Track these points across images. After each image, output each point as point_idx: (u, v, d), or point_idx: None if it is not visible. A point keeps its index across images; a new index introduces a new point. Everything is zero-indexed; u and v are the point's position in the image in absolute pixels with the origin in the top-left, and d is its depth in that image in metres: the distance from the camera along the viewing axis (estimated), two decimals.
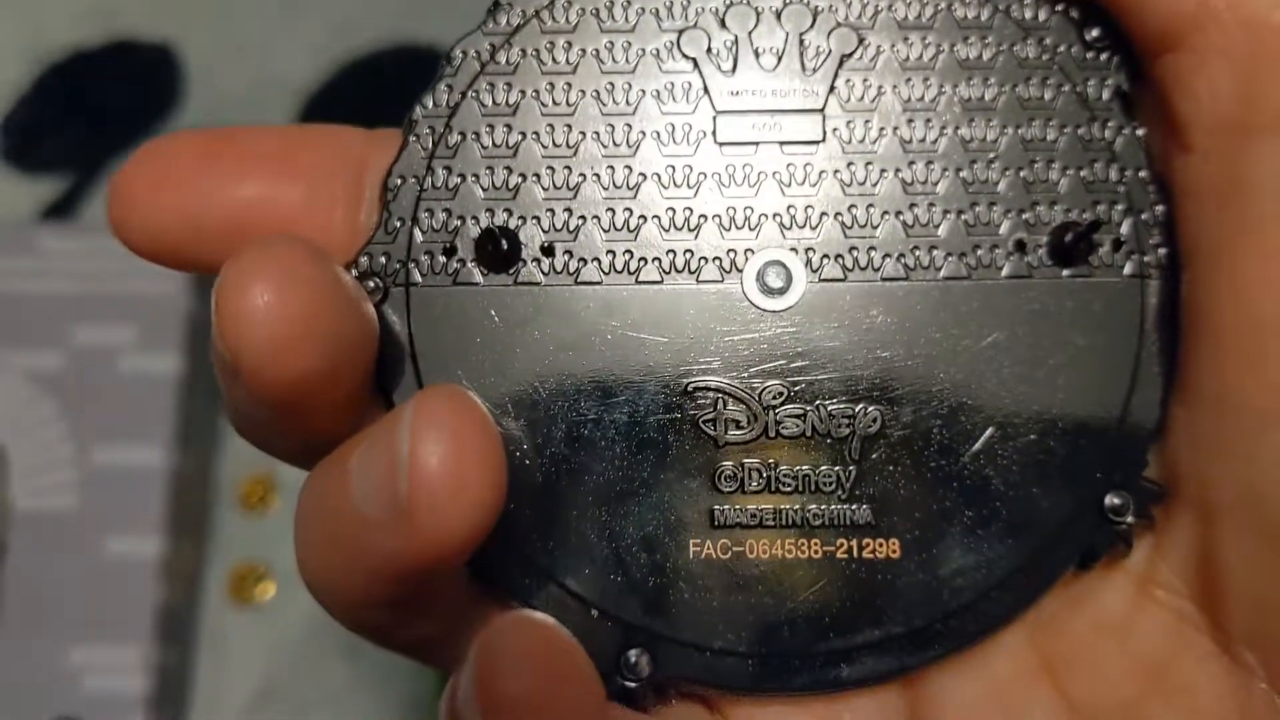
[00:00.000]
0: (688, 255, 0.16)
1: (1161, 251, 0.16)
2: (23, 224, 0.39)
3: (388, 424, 0.13)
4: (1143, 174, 0.16)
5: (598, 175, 0.16)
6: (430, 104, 0.16)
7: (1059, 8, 0.16)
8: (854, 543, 0.15)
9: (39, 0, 0.44)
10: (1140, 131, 0.16)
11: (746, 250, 0.16)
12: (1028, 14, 0.16)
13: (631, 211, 0.16)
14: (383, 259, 0.16)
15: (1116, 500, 0.15)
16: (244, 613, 0.35)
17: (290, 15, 0.43)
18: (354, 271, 0.16)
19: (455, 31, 0.44)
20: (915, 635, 0.15)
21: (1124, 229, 0.15)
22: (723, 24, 0.16)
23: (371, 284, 0.16)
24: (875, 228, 0.16)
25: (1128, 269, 0.15)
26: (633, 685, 0.15)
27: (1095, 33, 0.16)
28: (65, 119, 0.42)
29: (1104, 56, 0.16)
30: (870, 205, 0.16)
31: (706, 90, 0.16)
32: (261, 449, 0.16)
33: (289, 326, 0.13)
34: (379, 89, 0.42)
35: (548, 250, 0.16)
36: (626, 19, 0.16)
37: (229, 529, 0.36)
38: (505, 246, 0.16)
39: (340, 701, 0.35)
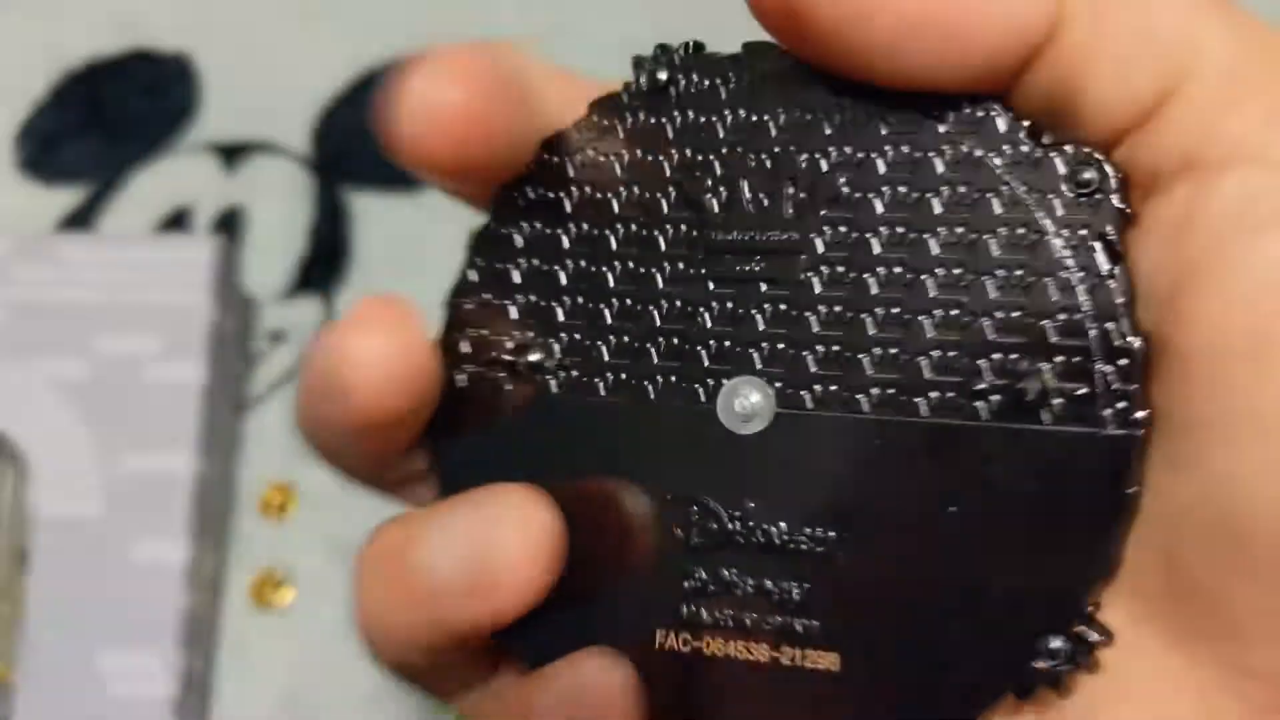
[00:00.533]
0: (674, 381, 0.17)
1: (1143, 414, 0.16)
2: (46, 234, 0.40)
3: (469, 503, 0.17)
4: (1121, 329, 0.16)
5: (604, 308, 0.18)
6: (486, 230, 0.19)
7: (1048, 148, 0.16)
8: (798, 651, 0.16)
9: (58, 10, 0.44)
10: (1123, 286, 0.16)
11: (725, 377, 0.17)
12: (1010, 159, 0.16)
13: (632, 340, 0.18)
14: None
15: (1055, 644, 0.16)
16: (266, 618, 0.36)
17: (308, 26, 0.43)
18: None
19: (471, 40, 0.44)
20: None
21: (1110, 386, 0.16)
22: (716, 173, 0.17)
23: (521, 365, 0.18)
24: (844, 365, 0.17)
25: (1110, 429, 0.16)
26: None
27: (1085, 176, 0.16)
28: (83, 129, 0.43)
29: (1092, 198, 0.16)
30: (841, 342, 0.17)
31: (700, 232, 0.17)
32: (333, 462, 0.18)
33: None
34: None
35: (562, 366, 0.18)
36: (634, 170, 0.18)
37: (250, 535, 0.37)
38: (525, 364, 0.18)
39: (363, 708, 0.35)
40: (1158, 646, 0.16)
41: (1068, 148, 0.16)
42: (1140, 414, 0.15)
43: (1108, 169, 0.16)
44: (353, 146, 0.42)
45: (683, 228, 0.17)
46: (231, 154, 0.42)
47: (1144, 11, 0.15)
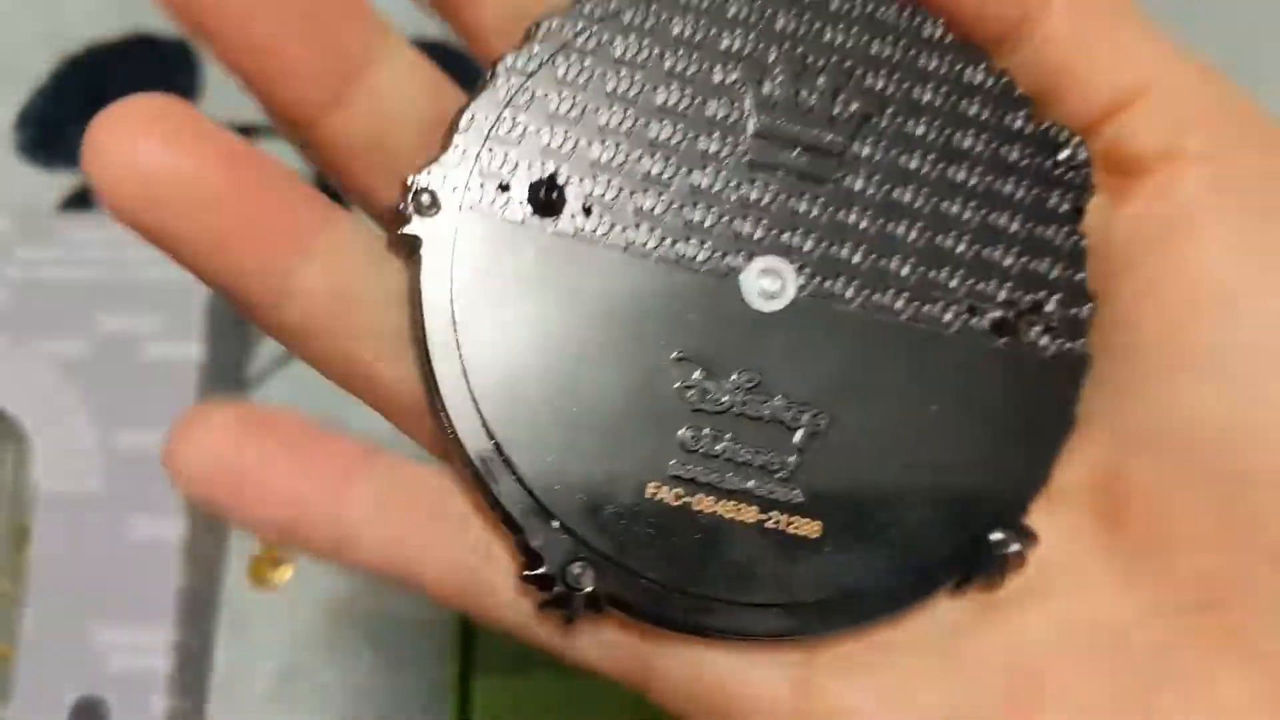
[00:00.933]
0: (700, 245, 0.18)
1: (1082, 342, 0.19)
2: (46, 214, 0.40)
3: None
4: (1080, 277, 0.19)
5: (642, 160, 0.18)
6: (514, 62, 0.18)
7: (1043, 127, 0.19)
8: (783, 517, 0.18)
9: None
10: (1084, 242, 0.19)
11: (751, 252, 0.18)
12: (1019, 125, 0.19)
13: (663, 198, 0.18)
14: (441, 179, 0.18)
15: (999, 536, 0.18)
16: (263, 596, 0.36)
17: None
18: (412, 182, 0.18)
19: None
20: (820, 605, 0.18)
21: (1056, 318, 0.19)
22: (774, 63, 0.19)
23: (426, 197, 0.18)
24: (858, 265, 0.18)
25: (1051, 351, 0.19)
26: (573, 593, 0.17)
27: (1065, 154, 0.19)
28: (83, 112, 0.43)
29: (1070, 174, 0.19)
30: (862, 245, 0.18)
31: (750, 114, 0.19)
32: None
33: None
34: None
35: (587, 210, 0.18)
36: (697, 33, 0.19)
37: None
38: (554, 196, 0.18)
39: (361, 685, 0.35)
40: (1094, 559, 0.18)
41: (1055, 128, 0.19)
42: (1083, 342, 0.19)
43: (1083, 152, 0.19)
44: None
45: (734, 104, 0.18)
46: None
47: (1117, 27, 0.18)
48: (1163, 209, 0.18)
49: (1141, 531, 0.18)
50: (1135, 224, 0.18)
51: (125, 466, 0.33)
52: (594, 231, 0.18)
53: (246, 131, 0.42)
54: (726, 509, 0.18)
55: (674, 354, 0.18)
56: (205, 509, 0.18)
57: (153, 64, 0.43)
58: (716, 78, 0.19)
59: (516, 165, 0.18)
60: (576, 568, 0.17)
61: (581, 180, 0.18)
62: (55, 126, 0.42)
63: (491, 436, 0.18)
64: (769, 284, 0.18)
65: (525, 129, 0.18)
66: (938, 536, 0.18)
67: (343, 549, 0.18)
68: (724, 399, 0.18)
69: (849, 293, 0.18)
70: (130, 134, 0.17)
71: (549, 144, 0.18)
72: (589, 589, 0.17)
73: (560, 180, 0.18)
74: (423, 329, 0.18)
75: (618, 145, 0.18)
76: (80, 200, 0.41)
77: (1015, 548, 0.18)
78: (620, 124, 0.18)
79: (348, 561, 0.18)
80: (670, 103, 0.18)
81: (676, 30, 0.18)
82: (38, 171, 0.42)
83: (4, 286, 0.35)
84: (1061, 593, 0.18)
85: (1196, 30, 0.20)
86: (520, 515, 0.18)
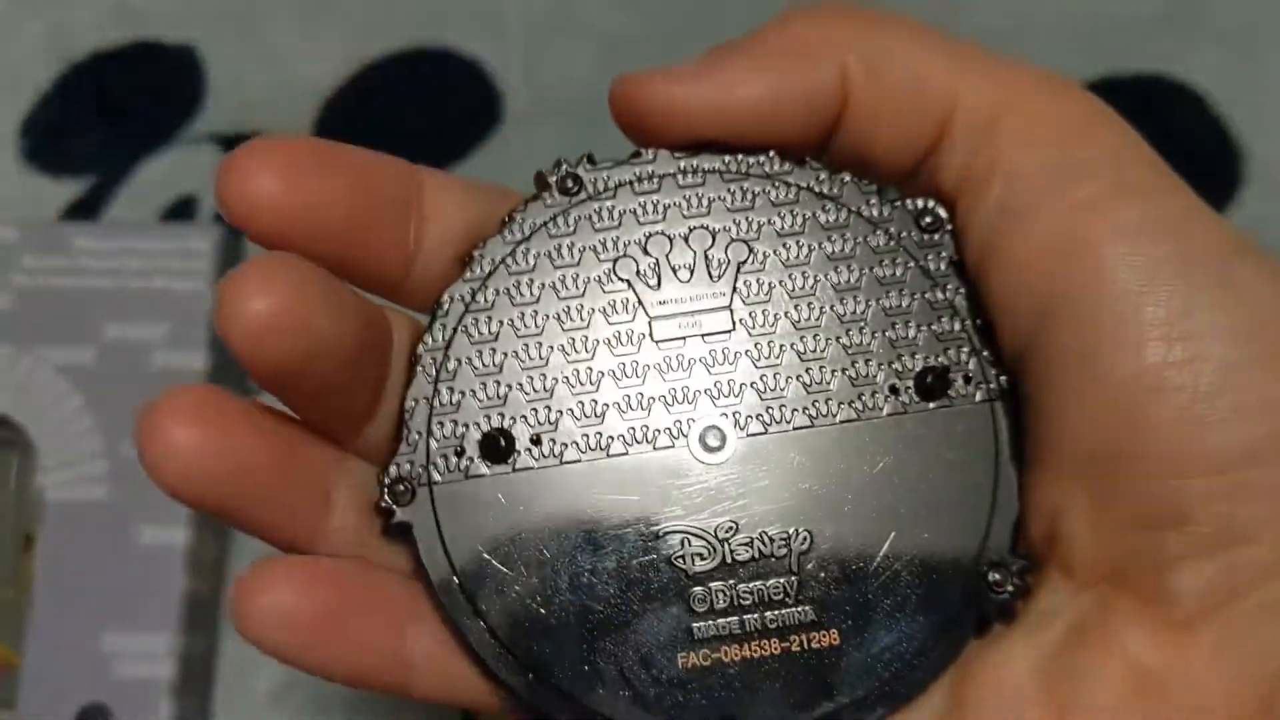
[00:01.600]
0: (644, 429, 0.20)
1: (1002, 379, 0.20)
2: (53, 223, 0.40)
3: None
4: (979, 322, 0.20)
5: (566, 378, 0.20)
6: (430, 341, 0.21)
7: (896, 204, 0.21)
8: (803, 637, 0.19)
9: (63, 1, 0.45)
10: (972, 290, 0.20)
11: (688, 420, 0.20)
12: (874, 212, 0.21)
13: (596, 402, 0.20)
14: (408, 466, 0.20)
15: (995, 575, 0.19)
16: None
17: (311, 19, 0.44)
18: (385, 479, 0.20)
19: (474, 36, 0.44)
20: (859, 702, 0.19)
21: (970, 366, 0.20)
22: (645, 251, 0.21)
23: (401, 487, 0.20)
24: (783, 390, 0.20)
25: (978, 396, 0.20)
26: None
27: (927, 220, 0.21)
28: (88, 120, 0.43)
29: (936, 236, 0.21)
30: (776, 373, 0.20)
31: (640, 303, 0.21)
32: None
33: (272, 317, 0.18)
34: (397, 92, 0.43)
35: (536, 441, 0.20)
36: (573, 256, 0.21)
37: None
38: (503, 443, 0.20)
39: (362, 692, 0.35)
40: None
41: (909, 201, 0.21)
42: (1003, 379, 0.20)
43: (941, 211, 0.21)
44: (355, 138, 0.42)
45: (622, 305, 0.21)
46: (235, 145, 0.42)
47: (915, 74, 0.20)
48: (976, 232, 0.20)
49: (1089, 561, 0.19)
50: (965, 237, 0.20)
51: (130, 474, 0.34)
52: (549, 457, 0.20)
53: (247, 140, 0.42)
54: (752, 650, 0.19)
55: (656, 531, 0.20)
56: (274, 655, 0.19)
57: (157, 71, 0.43)
58: (601, 283, 0.21)
59: (464, 430, 0.20)
60: None
61: (523, 419, 0.20)
62: (60, 134, 0.43)
63: (530, 672, 0.20)
64: (712, 439, 0.20)
65: (460, 395, 0.20)
66: (943, 596, 0.19)
67: (406, 686, 0.19)
68: (714, 554, 0.20)
69: (781, 419, 0.20)
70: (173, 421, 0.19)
71: (484, 399, 0.20)
72: None
73: (505, 427, 0.20)
74: (440, 602, 0.20)
75: (541, 377, 0.20)
76: (84, 208, 0.41)
77: (1015, 578, 0.20)
78: (537, 358, 0.20)
79: (410, 695, 0.20)
80: (571, 323, 0.21)
81: (556, 258, 0.21)
82: (42, 179, 0.42)
83: (9, 295, 0.35)
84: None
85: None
86: None
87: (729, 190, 0.21)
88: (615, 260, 0.21)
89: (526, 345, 0.20)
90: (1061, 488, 0.19)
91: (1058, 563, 0.20)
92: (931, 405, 0.20)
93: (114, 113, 0.43)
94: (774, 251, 0.21)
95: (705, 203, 0.21)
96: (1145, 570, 0.18)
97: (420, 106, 0.42)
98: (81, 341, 0.35)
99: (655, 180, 0.21)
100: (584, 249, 0.21)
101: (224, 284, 0.17)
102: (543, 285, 0.21)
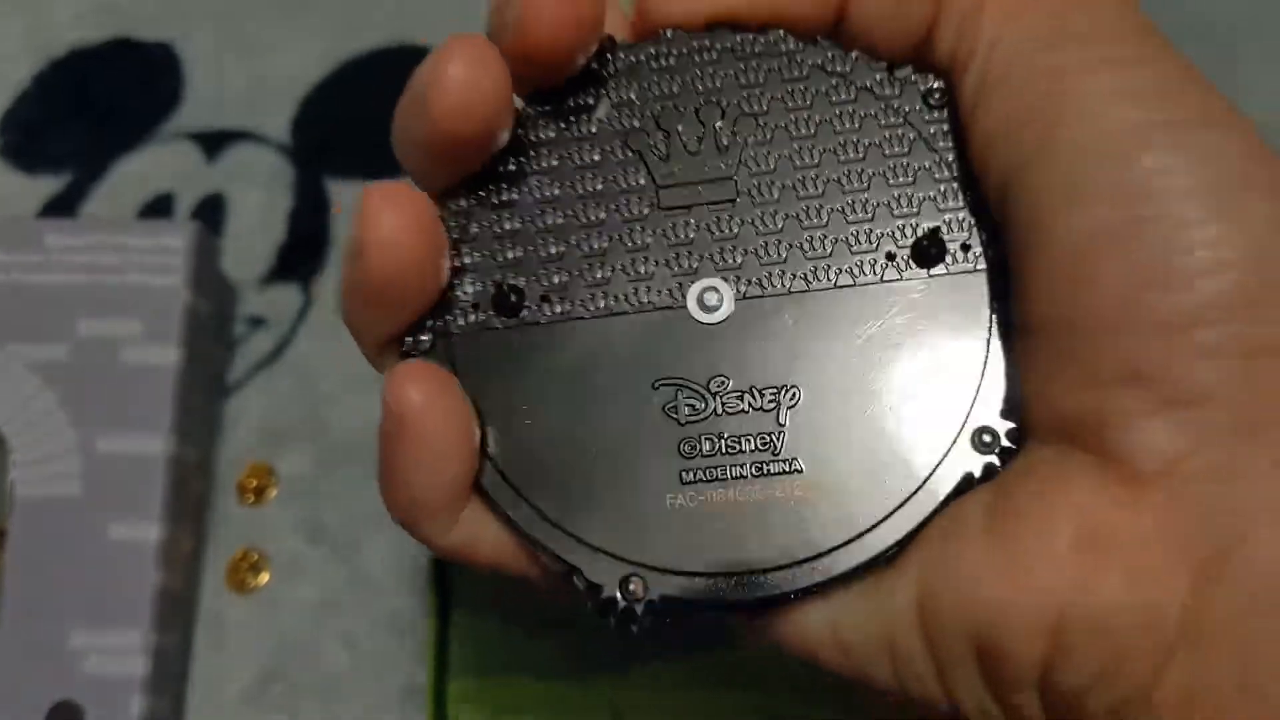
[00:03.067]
0: (646, 290, 0.21)
1: (994, 245, 0.21)
2: (26, 219, 0.40)
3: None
4: (976, 195, 0.21)
5: (576, 243, 0.21)
6: (452, 206, 0.22)
7: (905, 81, 0.21)
8: (788, 485, 0.20)
9: None
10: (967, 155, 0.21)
11: (689, 281, 0.21)
12: (882, 90, 0.21)
13: (603, 264, 0.21)
14: (429, 319, 0.21)
15: (985, 437, 0.20)
16: (241, 600, 0.36)
17: (290, 16, 0.44)
18: (407, 341, 0.21)
19: (449, 32, 0.45)
20: (836, 551, 0.20)
21: (967, 236, 0.21)
22: (657, 125, 0.22)
23: (423, 336, 0.21)
24: (781, 256, 0.21)
25: (972, 265, 0.21)
26: (634, 605, 0.20)
27: (935, 97, 0.21)
28: (66, 117, 0.43)
29: (942, 112, 0.21)
30: (776, 240, 0.21)
31: (650, 173, 0.22)
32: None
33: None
34: (376, 89, 0.43)
35: (545, 299, 0.21)
36: (589, 128, 0.22)
37: (227, 517, 0.37)
38: (513, 299, 0.21)
39: (337, 688, 0.35)
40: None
41: (917, 77, 0.21)
42: (996, 249, 0.20)
43: (940, 85, 0.21)
44: (333, 136, 0.42)
45: (638, 171, 0.22)
46: (213, 142, 0.42)
47: None
48: (968, 98, 0.20)
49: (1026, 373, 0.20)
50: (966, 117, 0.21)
51: (103, 470, 0.34)
52: (556, 314, 0.21)
53: (224, 137, 0.42)
54: (736, 495, 0.20)
55: (653, 383, 0.21)
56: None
57: (136, 69, 0.43)
58: (617, 156, 0.22)
59: (479, 288, 0.21)
60: (632, 584, 0.20)
61: (534, 280, 0.21)
62: (38, 131, 0.43)
63: (531, 505, 0.21)
64: (710, 299, 0.21)
65: (479, 256, 0.22)
66: (929, 454, 0.20)
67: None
68: (705, 406, 0.21)
69: (779, 283, 0.21)
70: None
71: (500, 261, 0.22)
72: (648, 598, 0.20)
73: (516, 283, 0.21)
74: None
75: (554, 241, 0.22)
76: (61, 205, 0.41)
77: (1002, 441, 0.20)
78: (551, 224, 0.22)
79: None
80: (585, 190, 0.22)
81: (573, 130, 0.22)
82: (20, 176, 0.42)
83: None
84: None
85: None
86: (573, 559, 0.20)
87: (741, 67, 0.22)
88: (627, 133, 0.22)
89: (541, 211, 0.22)
90: (1024, 346, 0.20)
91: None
92: (927, 272, 0.21)
93: (92, 110, 0.43)
94: (782, 126, 0.21)
95: (717, 79, 0.22)
96: (1098, 428, 0.19)
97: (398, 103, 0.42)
98: (55, 338, 0.35)
99: (670, 58, 0.22)
100: (600, 122, 0.22)
101: (433, 57, 0.20)
102: (559, 155, 0.22)
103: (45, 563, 0.33)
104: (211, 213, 0.41)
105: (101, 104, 0.43)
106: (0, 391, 0.34)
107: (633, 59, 0.22)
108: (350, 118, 0.42)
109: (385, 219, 0.19)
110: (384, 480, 0.21)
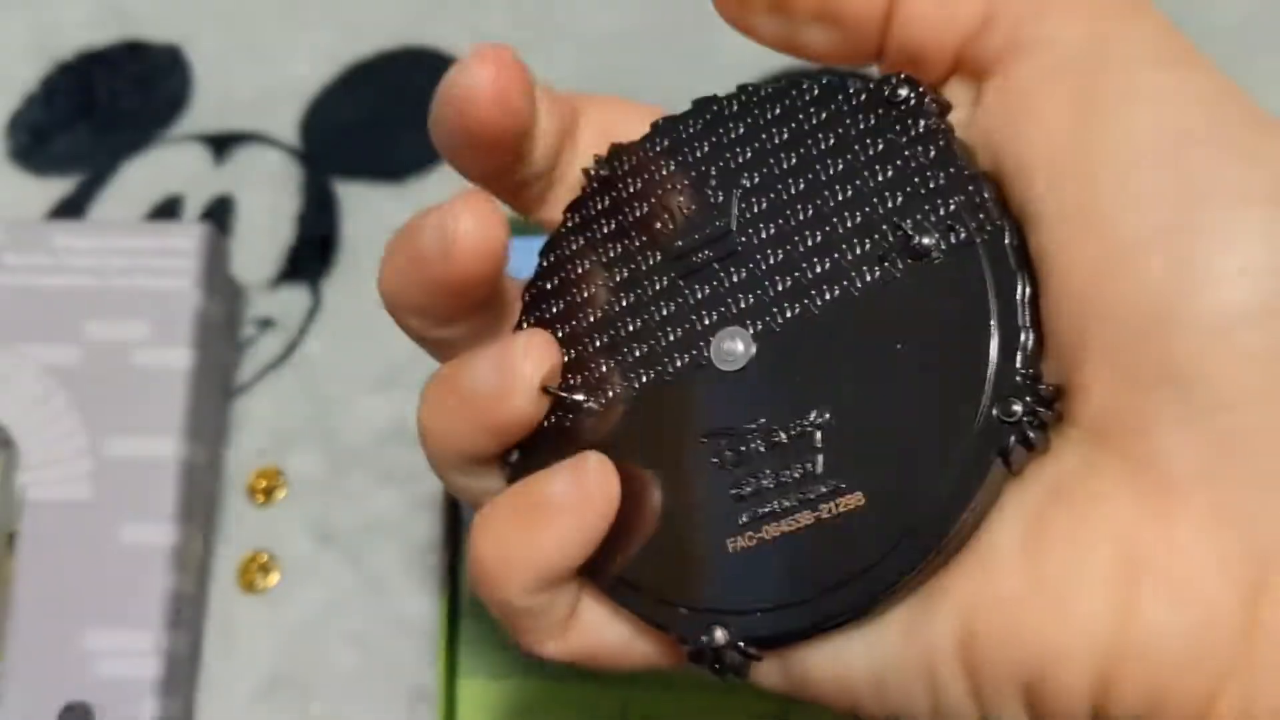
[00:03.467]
0: (678, 356, 0.22)
1: (990, 221, 0.20)
2: (36, 222, 0.40)
3: (497, 344, 0.22)
4: (966, 173, 0.20)
5: (617, 331, 0.23)
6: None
7: (868, 86, 0.21)
8: (834, 505, 0.20)
9: (49, 1, 0.45)
10: (955, 146, 0.21)
11: (709, 336, 0.22)
12: (856, 101, 0.21)
13: (641, 343, 0.23)
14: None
15: (1017, 405, 0.19)
16: (252, 601, 0.36)
17: (297, 19, 0.44)
18: None
19: (460, 35, 0.45)
20: (890, 555, 0.20)
21: (958, 218, 0.20)
22: (663, 208, 0.23)
23: (515, 451, 0.23)
24: (787, 286, 0.21)
25: (967, 241, 0.20)
26: (723, 652, 0.21)
27: (902, 93, 0.21)
28: (74, 119, 0.43)
29: (912, 104, 0.21)
30: (779, 273, 0.22)
31: (662, 254, 0.23)
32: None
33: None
34: (384, 92, 0.43)
35: (598, 388, 0.23)
36: (610, 229, 0.23)
37: (237, 519, 0.37)
38: (570, 401, 0.23)
39: (347, 689, 0.35)
40: None
41: (877, 80, 0.21)
42: (1004, 224, 0.20)
43: (905, 78, 0.21)
44: (341, 138, 0.42)
45: (649, 252, 0.23)
46: (221, 144, 0.42)
47: None
48: (1001, 101, 0.20)
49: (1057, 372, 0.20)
50: (985, 117, 0.21)
51: (114, 473, 0.34)
52: (607, 398, 0.23)
53: (233, 139, 0.42)
54: (790, 525, 0.21)
55: (701, 439, 0.22)
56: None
57: (144, 71, 0.44)
58: (635, 244, 0.23)
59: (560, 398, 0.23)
60: (717, 632, 0.21)
61: (586, 373, 0.23)
62: (46, 133, 0.43)
63: (614, 574, 0.22)
64: (730, 348, 0.22)
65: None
66: (960, 440, 0.19)
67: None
68: (747, 449, 0.21)
69: (788, 312, 0.21)
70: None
71: (566, 376, 0.23)
72: (731, 642, 0.21)
73: (574, 385, 0.23)
74: None
75: (599, 334, 0.23)
76: (70, 208, 0.41)
77: (1027, 406, 0.19)
78: (593, 319, 0.23)
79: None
80: (617, 282, 0.23)
81: (604, 230, 0.23)
82: (29, 178, 0.42)
83: None
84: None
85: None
86: (661, 618, 0.22)
87: (721, 131, 0.23)
88: (640, 223, 0.23)
89: (584, 313, 0.23)
90: (1057, 341, 0.19)
91: None
92: (921, 262, 0.20)
93: (100, 112, 0.43)
94: (767, 168, 0.22)
95: (705, 148, 0.23)
96: (1133, 431, 0.18)
97: (406, 105, 0.42)
98: (65, 340, 0.35)
99: (662, 144, 0.23)
100: (619, 220, 0.23)
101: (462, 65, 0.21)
102: (590, 259, 0.23)
103: (57, 565, 0.33)
104: (220, 214, 0.41)
105: (109, 106, 0.43)
106: (11, 394, 0.34)
107: (635, 158, 0.23)
108: (358, 119, 0.42)
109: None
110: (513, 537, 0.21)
